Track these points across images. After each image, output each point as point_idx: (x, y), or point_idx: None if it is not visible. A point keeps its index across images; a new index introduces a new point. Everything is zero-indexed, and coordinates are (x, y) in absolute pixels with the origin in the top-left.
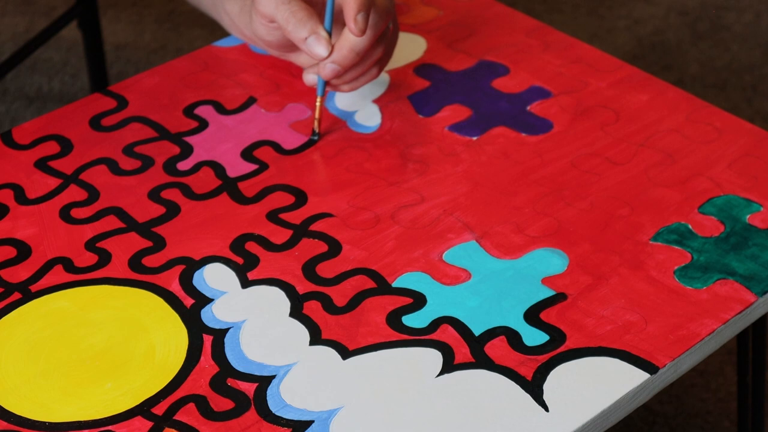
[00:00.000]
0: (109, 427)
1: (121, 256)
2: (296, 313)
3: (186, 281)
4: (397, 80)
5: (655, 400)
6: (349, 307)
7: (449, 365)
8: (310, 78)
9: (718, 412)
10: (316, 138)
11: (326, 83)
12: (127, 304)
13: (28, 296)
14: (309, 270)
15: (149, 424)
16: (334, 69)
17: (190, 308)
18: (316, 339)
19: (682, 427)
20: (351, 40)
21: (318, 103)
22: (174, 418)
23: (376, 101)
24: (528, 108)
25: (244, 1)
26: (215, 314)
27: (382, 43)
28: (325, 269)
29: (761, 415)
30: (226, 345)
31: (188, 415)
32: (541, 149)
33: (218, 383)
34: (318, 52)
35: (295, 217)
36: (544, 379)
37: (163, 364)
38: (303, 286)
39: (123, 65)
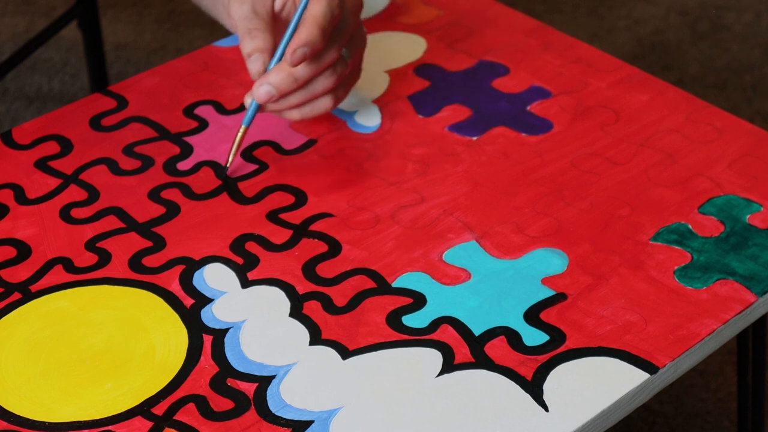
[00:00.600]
0: (109, 427)
1: (121, 256)
2: (296, 313)
3: (186, 281)
4: (396, 80)
5: (655, 400)
6: (349, 307)
7: (449, 365)
8: (247, 100)
9: (718, 412)
10: (225, 171)
11: (258, 108)
12: (127, 304)
13: (28, 296)
14: (309, 270)
15: (149, 424)
16: (269, 92)
17: (190, 308)
18: (316, 339)
19: (682, 427)
20: (292, 69)
21: (240, 132)
22: (174, 418)
23: (376, 101)
24: (528, 108)
25: None
26: (215, 314)
27: (334, 75)
28: (325, 269)
29: (761, 415)
30: (226, 345)
31: (188, 415)
32: (541, 149)
33: (218, 383)
34: (252, 69)
35: (295, 217)
36: (544, 379)
37: (163, 364)
38: (303, 286)
39: (123, 65)
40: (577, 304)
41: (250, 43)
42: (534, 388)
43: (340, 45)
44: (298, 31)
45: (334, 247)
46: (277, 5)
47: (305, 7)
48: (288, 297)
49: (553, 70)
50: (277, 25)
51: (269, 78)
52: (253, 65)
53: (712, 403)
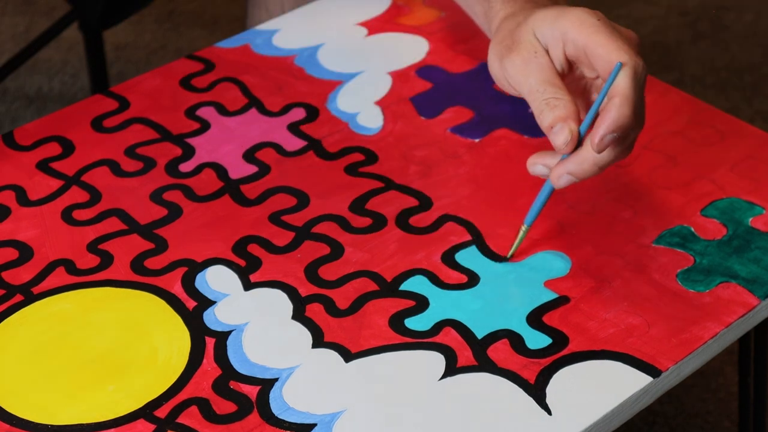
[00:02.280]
0: (112, 430)
1: (123, 258)
2: (299, 315)
3: (188, 283)
4: (399, 82)
5: (655, 400)
6: (352, 310)
7: (452, 368)
8: (538, 169)
9: (718, 412)
10: (506, 259)
11: (548, 197)
12: (130, 306)
13: (30, 298)
14: (311, 272)
15: (152, 426)
16: (570, 181)
17: (193, 310)
18: (318, 341)
19: (682, 427)
20: (596, 156)
21: (523, 230)
22: (176, 421)
23: (378, 103)
24: (530, 110)
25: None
26: (217, 317)
27: (631, 147)
28: (328, 272)
29: (763, 415)
30: (228, 347)
31: (191, 418)
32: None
33: (221, 386)
34: (557, 141)
35: (297, 219)
36: (546, 383)
37: (165, 367)
38: (305, 289)
39: (123, 65)
40: (580, 307)
41: (551, 114)
42: (537, 391)
43: (643, 115)
44: (607, 113)
45: (337, 250)
46: (560, 66)
47: (612, 82)
48: (290, 299)
49: None
50: (569, 78)
51: (569, 167)
52: (558, 138)
53: (712, 403)
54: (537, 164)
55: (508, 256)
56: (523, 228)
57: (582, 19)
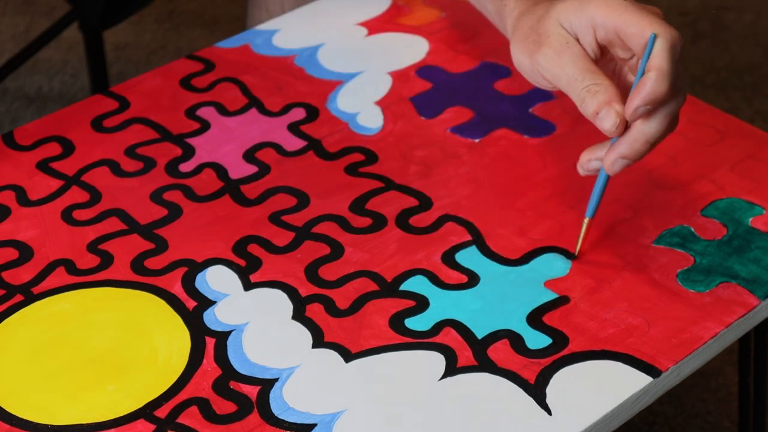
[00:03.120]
0: (112, 430)
1: (123, 258)
2: (299, 315)
3: (188, 283)
4: (399, 82)
5: (655, 400)
6: (352, 310)
7: (452, 368)
8: (593, 165)
9: (718, 412)
10: (574, 257)
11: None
12: (130, 306)
13: (30, 298)
14: (311, 272)
15: (152, 427)
16: (624, 165)
17: (193, 310)
18: (318, 342)
19: (682, 427)
20: (645, 131)
21: (585, 224)
22: (177, 421)
23: (378, 103)
24: (530, 110)
25: (507, 16)
26: (218, 317)
27: (678, 116)
28: (328, 272)
29: (763, 415)
30: (228, 347)
31: (191, 418)
32: (544, 151)
33: (221, 386)
34: (606, 126)
35: (298, 219)
36: (546, 383)
37: (165, 367)
38: (305, 289)
39: (123, 65)
40: (580, 307)
41: (593, 100)
42: (537, 391)
43: (682, 86)
44: (642, 85)
45: (337, 250)
46: (592, 53)
47: (649, 56)
48: (290, 299)
49: None
50: (601, 63)
51: (621, 150)
52: (607, 122)
53: (712, 403)
54: (591, 161)
55: (575, 253)
56: (585, 221)
57: (607, 2)
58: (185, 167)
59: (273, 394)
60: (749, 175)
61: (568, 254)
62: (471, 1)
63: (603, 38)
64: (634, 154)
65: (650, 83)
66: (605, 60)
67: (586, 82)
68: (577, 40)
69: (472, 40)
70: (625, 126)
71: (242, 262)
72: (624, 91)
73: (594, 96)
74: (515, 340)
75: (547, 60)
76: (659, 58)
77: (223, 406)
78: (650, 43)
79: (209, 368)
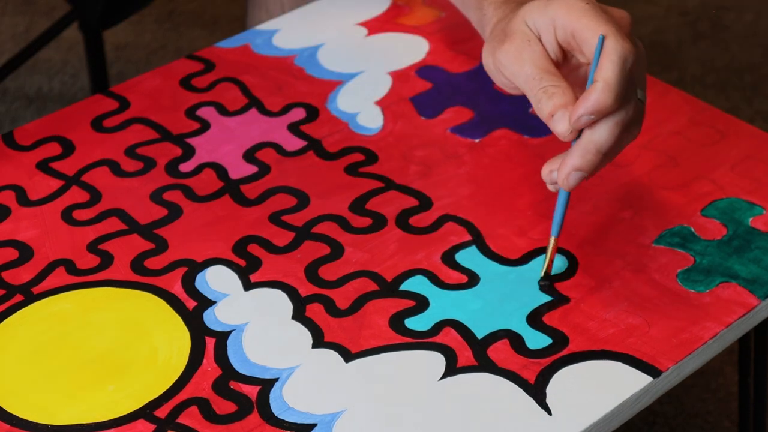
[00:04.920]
0: (112, 430)
1: (123, 258)
2: (299, 315)
3: (188, 283)
4: (399, 82)
5: (655, 400)
6: (352, 310)
7: (452, 368)
8: (553, 177)
9: (718, 412)
10: (545, 283)
11: (568, 200)
12: (130, 306)
13: (30, 298)
14: (311, 272)
15: (152, 427)
16: (579, 177)
17: (193, 310)
18: (318, 342)
19: (682, 427)
20: (595, 140)
21: (551, 243)
22: (177, 421)
23: (378, 103)
24: (530, 110)
25: (486, 23)
26: (217, 317)
27: (638, 125)
28: (328, 272)
29: (763, 415)
30: (228, 347)
31: (191, 418)
32: (544, 151)
33: (221, 386)
34: (559, 129)
35: (297, 219)
36: (546, 383)
37: (165, 367)
38: (305, 289)
39: (123, 65)
40: (580, 307)
41: (549, 102)
42: (537, 391)
43: (642, 91)
44: (588, 94)
45: (337, 250)
46: (553, 54)
47: (597, 62)
48: (290, 299)
49: None
50: (563, 69)
51: (574, 162)
52: (560, 125)
53: (712, 403)
54: (552, 172)
55: (541, 274)
56: (552, 241)
57: (570, 4)
58: (185, 167)
59: (273, 394)
60: (749, 175)
61: (567, 255)
62: (460, 10)
63: (562, 39)
64: (588, 164)
65: (595, 94)
66: (571, 67)
67: (543, 83)
68: (540, 39)
69: (472, 40)
70: (579, 131)
71: (242, 262)
72: None
73: (550, 98)
74: (515, 340)
75: (508, 57)
76: (606, 69)
77: (223, 406)
78: (598, 48)
79: (209, 368)
